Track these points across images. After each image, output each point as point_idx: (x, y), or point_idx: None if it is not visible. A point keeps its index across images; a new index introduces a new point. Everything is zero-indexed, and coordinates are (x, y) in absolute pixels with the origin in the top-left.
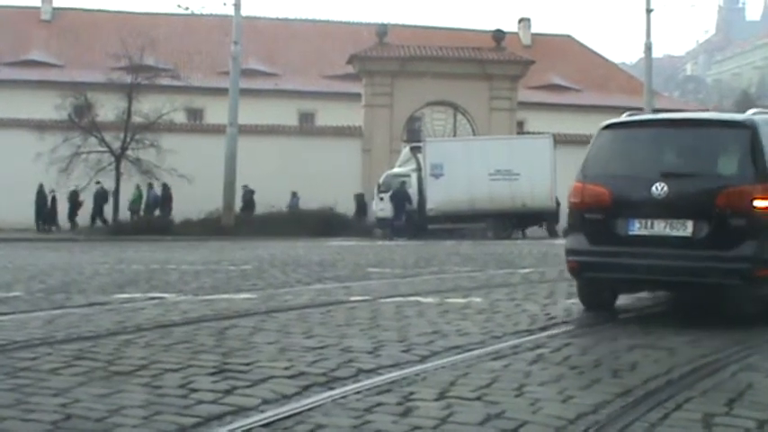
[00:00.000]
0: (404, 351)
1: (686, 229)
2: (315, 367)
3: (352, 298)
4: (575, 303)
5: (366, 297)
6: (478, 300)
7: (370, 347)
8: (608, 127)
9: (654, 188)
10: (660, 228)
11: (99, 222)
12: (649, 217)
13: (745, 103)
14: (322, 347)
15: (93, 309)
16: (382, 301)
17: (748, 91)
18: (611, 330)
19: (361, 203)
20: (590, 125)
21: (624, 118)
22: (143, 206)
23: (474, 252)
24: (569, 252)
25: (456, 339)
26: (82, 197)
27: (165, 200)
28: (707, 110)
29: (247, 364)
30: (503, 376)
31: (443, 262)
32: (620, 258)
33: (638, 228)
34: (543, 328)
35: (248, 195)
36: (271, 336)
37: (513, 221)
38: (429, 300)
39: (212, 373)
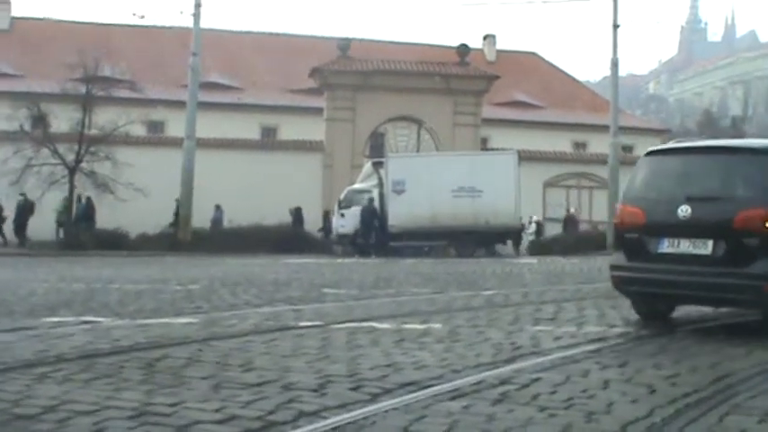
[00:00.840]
0: (353, 389)
1: (707, 247)
2: (250, 409)
3: (302, 323)
4: (542, 331)
5: (317, 322)
6: (438, 326)
7: (315, 384)
8: (648, 154)
9: (680, 210)
10: (685, 246)
11: (16, 238)
12: (676, 236)
13: (707, 122)
14: (261, 384)
15: (17, 335)
16: (334, 327)
17: (710, 110)
18: (584, 362)
19: (299, 217)
20: (554, 142)
21: (661, 146)
22: (73, 219)
23: (435, 271)
24: (612, 267)
25: (412, 373)
26: (6, 212)
27: (88, 214)
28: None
29: (173, 405)
30: (462, 421)
31: (403, 282)
32: (651, 274)
33: (666, 246)
34: (508, 360)
35: (219, 215)
36: (205, 369)
37: (476, 239)
38: (385, 326)
39: (130, 417)
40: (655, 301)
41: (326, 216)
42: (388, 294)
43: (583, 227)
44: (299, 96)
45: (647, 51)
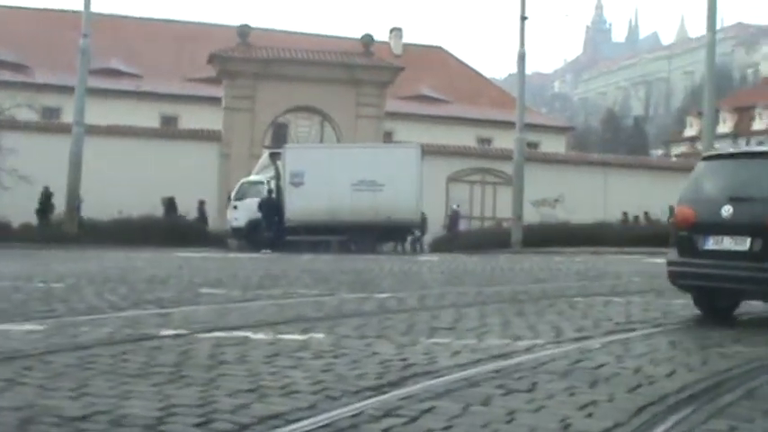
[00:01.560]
0: (198, 425)
1: (745, 244)
2: None
3: (164, 332)
4: (438, 344)
5: (181, 331)
6: (321, 336)
7: (152, 418)
8: (704, 159)
9: (723, 210)
10: (727, 243)
11: None
12: (720, 234)
13: (610, 121)
14: (85, 416)
15: None
16: (200, 336)
17: (613, 110)
18: (486, 385)
19: (172, 207)
20: (459, 137)
21: (715, 152)
22: None
23: (330, 270)
24: (668, 263)
25: (278, 402)
26: None
27: None
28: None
29: None
30: None
31: (293, 282)
32: (698, 269)
33: (711, 243)
34: (396, 383)
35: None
36: (26, 394)
37: (376, 235)
38: (260, 336)
39: None
40: (712, 295)
41: (201, 207)
42: (272, 296)
43: (476, 224)
44: (199, 85)
45: (553, 51)
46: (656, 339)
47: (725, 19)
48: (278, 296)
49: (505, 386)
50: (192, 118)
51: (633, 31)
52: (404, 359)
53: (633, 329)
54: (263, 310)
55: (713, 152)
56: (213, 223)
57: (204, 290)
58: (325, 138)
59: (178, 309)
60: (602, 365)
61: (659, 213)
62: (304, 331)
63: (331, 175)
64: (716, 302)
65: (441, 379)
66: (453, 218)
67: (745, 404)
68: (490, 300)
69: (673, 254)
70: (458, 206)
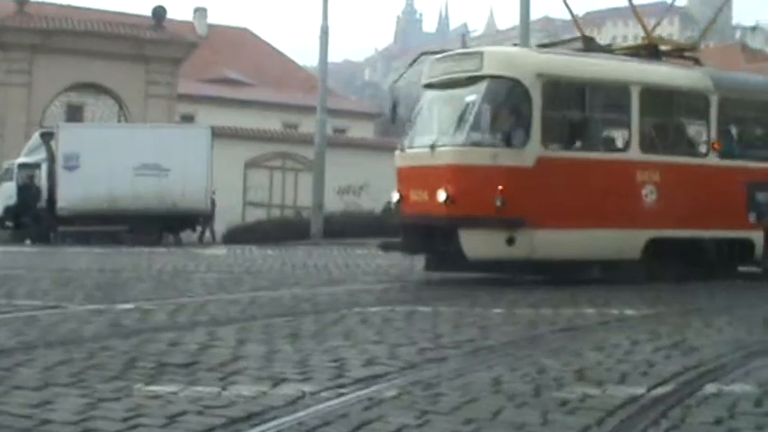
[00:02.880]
0: None
1: None
2: None
3: None
4: (154, 396)
5: None
6: None
7: None
8: None
9: None
10: None
11: None
12: None
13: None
14: None
15: None
16: None
17: None
18: None
19: None
20: (265, 122)
21: None
22: None
23: (84, 268)
24: None
25: None
26: None
27: None
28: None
29: None
30: None
31: (23, 285)
32: None
33: None
34: None
35: None
36: None
37: (161, 224)
38: None
39: None
40: None
41: None
42: None
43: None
44: None
45: (364, 40)
46: (475, 378)
47: (533, 12)
48: None
49: None
50: None
51: (443, 21)
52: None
53: (444, 358)
54: None
55: None
56: None
57: None
58: (112, 118)
59: None
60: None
61: None
62: None
63: (110, 158)
64: None
65: None
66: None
67: None
68: (262, 313)
69: None
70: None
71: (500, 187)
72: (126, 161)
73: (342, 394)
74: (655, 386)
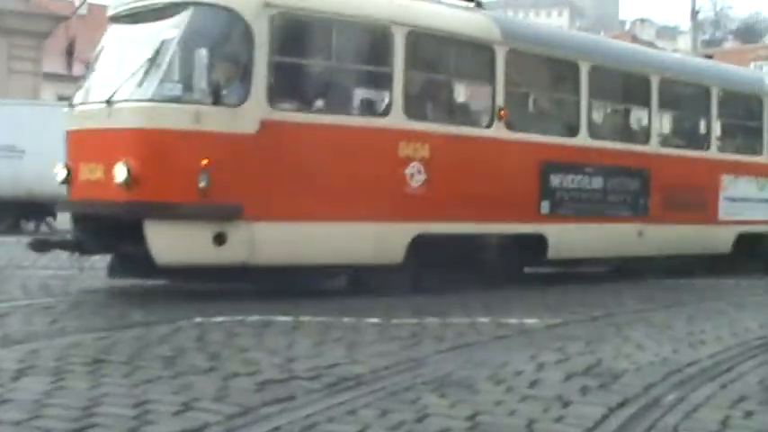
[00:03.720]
0: None
1: None
2: None
3: None
4: None
5: None
6: None
7: None
8: None
9: None
10: None
11: None
12: None
13: None
14: None
15: None
16: None
17: None
18: None
19: None
20: None
21: None
22: None
23: None
24: None
25: None
26: None
27: None
28: None
29: None
30: None
31: None
32: None
33: None
34: None
35: None
36: None
37: (16, 211)
38: None
39: None
40: None
41: None
42: None
43: None
44: None
45: None
46: None
47: None
48: None
49: None
50: None
51: None
52: None
53: (291, 397)
54: None
55: None
56: None
57: None
58: None
59: None
60: None
61: None
62: None
63: None
64: None
65: None
66: None
67: None
68: None
69: None
70: None
71: (204, 161)
72: None
73: None
74: None
